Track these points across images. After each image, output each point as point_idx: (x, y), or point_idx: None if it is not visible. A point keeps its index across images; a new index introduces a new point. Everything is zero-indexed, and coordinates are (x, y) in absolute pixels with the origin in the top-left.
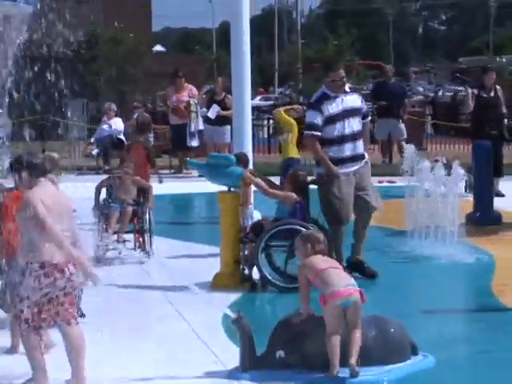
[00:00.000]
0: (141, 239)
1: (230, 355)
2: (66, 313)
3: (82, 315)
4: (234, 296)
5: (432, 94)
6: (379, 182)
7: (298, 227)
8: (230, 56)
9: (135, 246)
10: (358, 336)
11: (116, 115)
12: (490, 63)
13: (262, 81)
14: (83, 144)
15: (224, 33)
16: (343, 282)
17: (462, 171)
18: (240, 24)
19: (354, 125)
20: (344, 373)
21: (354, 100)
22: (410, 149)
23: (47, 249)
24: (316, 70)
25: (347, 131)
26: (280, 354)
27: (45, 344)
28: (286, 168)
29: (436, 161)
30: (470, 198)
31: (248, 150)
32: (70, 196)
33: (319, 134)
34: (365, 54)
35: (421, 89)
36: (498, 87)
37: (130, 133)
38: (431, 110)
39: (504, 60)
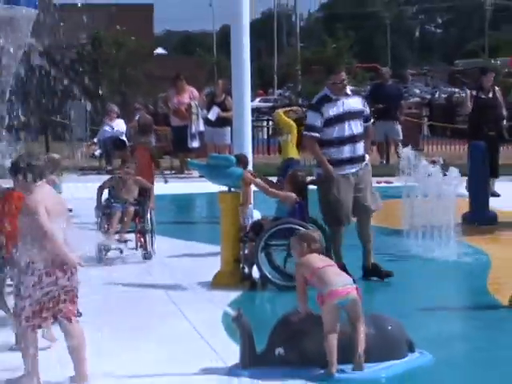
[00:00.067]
0: (142, 239)
1: (230, 352)
2: (66, 310)
3: (79, 314)
4: (234, 294)
5: (429, 96)
6: (377, 183)
7: (297, 227)
8: (230, 59)
9: (137, 245)
10: (361, 329)
11: (118, 117)
12: (485, 65)
13: (261, 83)
14: (86, 144)
15: (224, 36)
16: (341, 281)
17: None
18: (240, 27)
19: (354, 127)
20: (341, 371)
21: (355, 103)
22: (407, 150)
23: (49, 249)
24: (315, 73)
25: (347, 133)
26: (279, 351)
27: (49, 337)
28: (285, 168)
29: (433, 162)
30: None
31: (248, 150)
32: (72, 196)
33: (318, 135)
34: (363, 56)
35: (417, 91)
36: (496, 88)
37: (132, 134)
38: (428, 111)
39: (499, 62)
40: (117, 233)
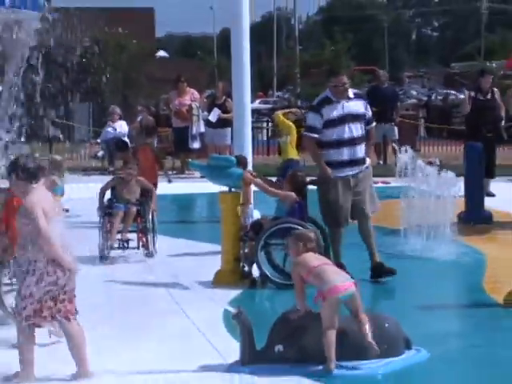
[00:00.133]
0: (144, 238)
1: (231, 349)
2: (65, 310)
3: (76, 312)
4: (234, 292)
5: (425, 98)
6: (375, 183)
7: (297, 226)
8: (230, 61)
9: (138, 245)
10: (365, 319)
11: (120, 118)
12: (483, 68)
13: (261, 85)
14: (89, 145)
15: (225, 39)
16: (339, 278)
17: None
18: (240, 30)
19: (354, 130)
20: (340, 367)
21: (356, 106)
22: (404, 152)
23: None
24: (314, 75)
25: (346, 136)
26: (279, 348)
27: (56, 332)
28: (285, 169)
29: (430, 162)
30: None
31: (248, 151)
32: (75, 196)
33: (316, 136)
34: (361, 59)
35: (414, 93)
36: (495, 90)
37: (134, 135)
38: (425, 112)
39: (494, 65)
40: (119, 232)
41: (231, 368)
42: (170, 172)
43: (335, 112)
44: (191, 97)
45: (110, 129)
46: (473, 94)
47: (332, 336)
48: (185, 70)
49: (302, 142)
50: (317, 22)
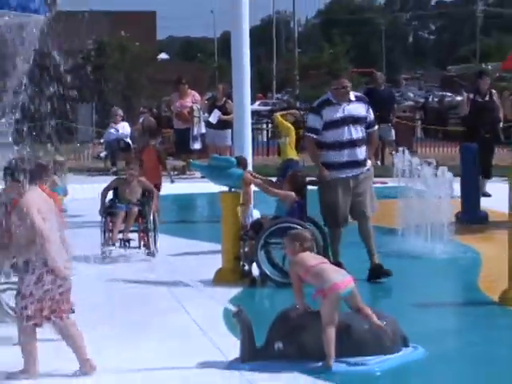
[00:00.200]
0: (145, 238)
1: (231, 347)
2: (59, 310)
3: (72, 311)
4: (234, 291)
5: (422, 100)
6: (372, 183)
7: (296, 226)
8: (230, 64)
9: (140, 244)
10: (366, 308)
11: (122, 119)
12: (480, 70)
13: (260, 87)
14: (92, 145)
15: (225, 42)
16: (338, 276)
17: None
18: (240, 33)
19: (353, 132)
20: (337, 365)
21: (356, 108)
22: (401, 153)
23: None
24: (312, 77)
25: (345, 138)
26: (278, 345)
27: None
28: (285, 169)
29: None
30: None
31: (248, 152)
32: (78, 196)
33: (315, 136)
34: (359, 61)
35: (411, 95)
36: (493, 91)
37: (136, 136)
38: (422, 114)
39: (490, 67)
40: (120, 232)
41: (231, 365)
42: (172, 172)
43: (335, 114)
44: (192, 99)
45: (112, 130)
46: (471, 95)
47: (332, 333)
48: (186, 72)
49: (304, 142)
50: (315, 25)
